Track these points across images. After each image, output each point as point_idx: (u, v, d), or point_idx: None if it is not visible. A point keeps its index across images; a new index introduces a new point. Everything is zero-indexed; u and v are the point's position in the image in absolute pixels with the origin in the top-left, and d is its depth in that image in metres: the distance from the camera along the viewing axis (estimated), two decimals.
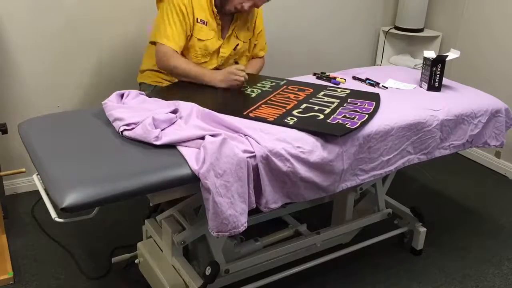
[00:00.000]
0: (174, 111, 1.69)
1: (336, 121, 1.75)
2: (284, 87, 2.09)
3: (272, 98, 1.95)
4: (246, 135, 1.59)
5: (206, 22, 2.14)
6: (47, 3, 2.45)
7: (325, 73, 2.31)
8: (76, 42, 2.57)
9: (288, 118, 1.75)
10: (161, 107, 1.73)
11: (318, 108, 1.85)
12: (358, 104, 1.92)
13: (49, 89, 2.59)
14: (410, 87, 2.21)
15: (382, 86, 2.19)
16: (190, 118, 1.67)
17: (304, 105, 1.88)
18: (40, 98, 2.58)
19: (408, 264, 2.24)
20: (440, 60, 2.15)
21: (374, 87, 2.19)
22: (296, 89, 2.06)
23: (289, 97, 1.96)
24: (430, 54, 2.20)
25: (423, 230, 2.25)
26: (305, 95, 1.99)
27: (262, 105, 1.87)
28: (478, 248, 2.38)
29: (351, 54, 3.46)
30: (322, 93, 2.03)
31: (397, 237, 2.31)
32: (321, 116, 1.78)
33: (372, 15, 3.43)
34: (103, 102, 1.78)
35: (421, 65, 2.24)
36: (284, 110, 1.83)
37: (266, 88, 2.07)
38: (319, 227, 2.10)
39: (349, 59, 3.43)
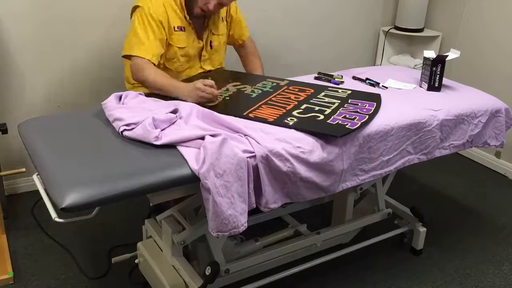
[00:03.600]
0: (174, 111, 1.69)
1: (336, 122, 1.74)
2: (285, 87, 2.09)
3: (273, 99, 1.95)
4: (246, 135, 1.59)
5: (184, 27, 2.11)
6: (47, 3, 2.45)
7: (328, 74, 2.29)
8: (77, 43, 2.57)
9: (288, 119, 1.75)
10: (161, 107, 1.73)
11: (319, 109, 1.85)
12: (359, 105, 1.92)
13: (48, 90, 2.59)
14: (410, 87, 2.21)
15: (382, 86, 2.19)
16: (190, 118, 1.67)
17: (304, 106, 1.88)
18: (40, 98, 2.58)
19: (408, 264, 2.24)
20: (440, 60, 2.15)
21: (374, 87, 2.19)
22: (297, 90, 2.06)
23: (289, 98, 1.96)
24: (430, 54, 2.20)
25: (423, 230, 2.25)
26: (305, 96, 1.99)
27: (263, 106, 1.87)
28: (478, 248, 2.38)
29: (351, 54, 3.45)
30: (323, 93, 2.03)
31: (397, 237, 2.31)
32: (321, 117, 1.78)
33: (372, 15, 3.43)
34: (103, 103, 1.78)
35: (421, 65, 2.24)
36: (284, 111, 1.82)
37: (267, 89, 2.07)
38: (319, 227, 2.10)
39: (349, 59, 3.42)
